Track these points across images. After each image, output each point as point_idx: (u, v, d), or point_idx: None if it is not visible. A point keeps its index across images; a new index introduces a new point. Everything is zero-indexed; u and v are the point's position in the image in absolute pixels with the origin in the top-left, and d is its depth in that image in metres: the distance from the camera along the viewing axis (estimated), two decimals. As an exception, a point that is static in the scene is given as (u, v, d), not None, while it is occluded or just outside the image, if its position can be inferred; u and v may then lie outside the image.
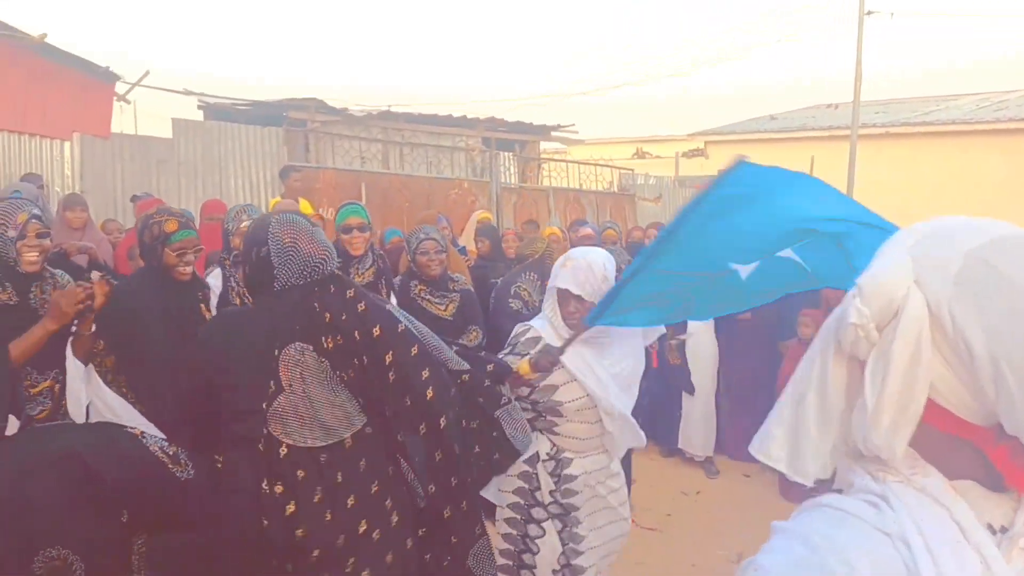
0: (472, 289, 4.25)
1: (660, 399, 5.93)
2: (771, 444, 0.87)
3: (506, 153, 12.70)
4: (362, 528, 2.21)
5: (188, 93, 10.98)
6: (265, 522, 2.14)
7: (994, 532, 0.76)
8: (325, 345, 2.18)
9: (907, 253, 0.79)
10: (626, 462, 5.11)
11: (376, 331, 2.20)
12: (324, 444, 2.19)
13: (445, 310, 3.98)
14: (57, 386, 2.79)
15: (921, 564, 0.72)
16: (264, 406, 2.15)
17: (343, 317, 2.19)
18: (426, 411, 2.24)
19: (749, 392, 5.96)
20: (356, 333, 2.19)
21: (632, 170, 14.66)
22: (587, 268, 2.69)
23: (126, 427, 2.48)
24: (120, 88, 9.46)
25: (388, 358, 2.20)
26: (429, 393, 2.22)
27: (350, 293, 2.24)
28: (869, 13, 16.11)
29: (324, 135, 10.70)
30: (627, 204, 13.09)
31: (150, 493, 2.15)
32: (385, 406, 2.26)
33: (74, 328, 2.74)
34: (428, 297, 3.99)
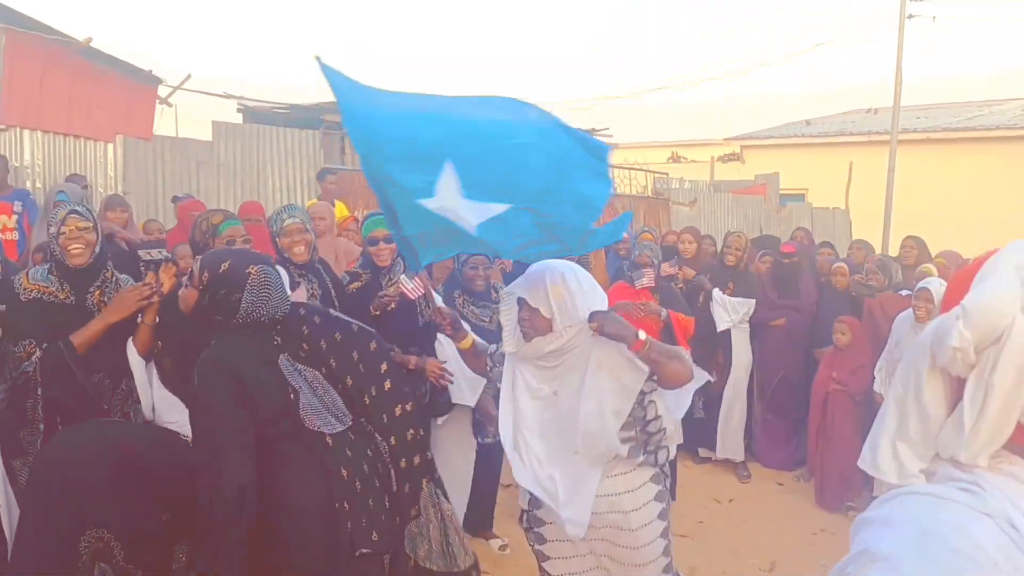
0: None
1: (693, 406, 5.90)
2: (878, 455, 0.88)
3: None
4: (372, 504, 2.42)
5: (228, 96, 11.15)
6: (346, 505, 2.32)
7: None
8: (301, 355, 2.45)
9: (1016, 275, 0.79)
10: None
11: (337, 336, 2.49)
12: (345, 428, 2.44)
13: (489, 321, 4.09)
14: (108, 381, 2.86)
15: None
16: (291, 409, 2.37)
17: (305, 331, 2.48)
18: (388, 399, 2.49)
19: (783, 399, 5.90)
20: (321, 342, 2.47)
21: (667, 174, 14.58)
22: (538, 277, 2.49)
23: (180, 434, 2.58)
24: (162, 91, 9.63)
25: (355, 355, 2.48)
26: (387, 384, 2.49)
27: (302, 311, 2.54)
28: (911, 16, 15.86)
29: (360, 138, 10.79)
30: (661, 208, 13.01)
31: (193, 499, 2.25)
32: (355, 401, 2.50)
33: (139, 320, 2.81)
34: (472, 308, 4.13)
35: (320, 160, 9.79)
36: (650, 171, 14.13)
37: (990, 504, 0.76)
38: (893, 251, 8.61)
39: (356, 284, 3.74)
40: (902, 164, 15.59)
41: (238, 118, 11.39)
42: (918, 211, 14.81)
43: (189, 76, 9.52)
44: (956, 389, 0.80)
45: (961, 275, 0.87)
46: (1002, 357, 0.74)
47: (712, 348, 5.78)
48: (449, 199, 2.19)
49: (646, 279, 4.91)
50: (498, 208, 2.24)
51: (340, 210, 7.86)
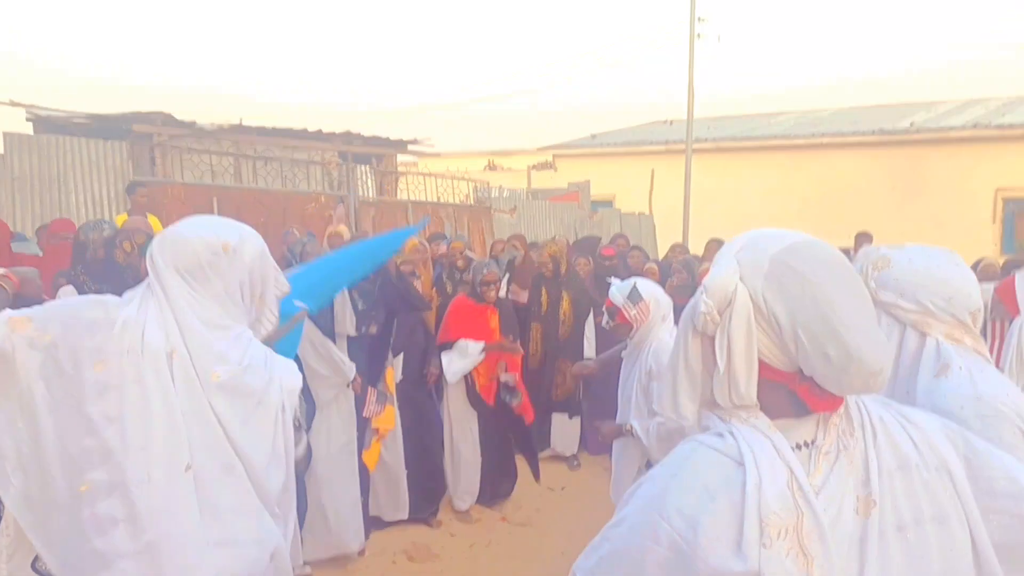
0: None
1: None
2: (662, 402, 1.22)
3: (363, 166, 12.71)
4: None
5: (15, 104, 10.29)
6: None
7: (803, 447, 1.12)
8: None
9: (734, 258, 1.14)
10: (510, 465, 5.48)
11: None
12: None
13: None
14: None
15: (749, 473, 1.07)
16: None
17: None
18: None
19: (605, 396, 6.38)
20: None
21: (487, 183, 15.02)
22: None
23: None
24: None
25: None
26: None
27: None
28: (699, 36, 17.36)
29: (172, 149, 10.33)
30: (483, 216, 13.41)
31: None
32: None
33: None
34: None
35: (129, 172, 9.29)
36: (471, 180, 14.52)
37: (731, 448, 1.10)
38: (696, 252, 9.44)
39: None
40: (697, 171, 17.04)
41: (28, 127, 10.53)
42: (713, 214, 16.24)
43: (-26, 83, 8.68)
44: (712, 349, 1.13)
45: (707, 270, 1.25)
46: (733, 313, 1.08)
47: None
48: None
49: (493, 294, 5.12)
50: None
51: (153, 223, 7.53)
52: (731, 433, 1.11)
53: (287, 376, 1.85)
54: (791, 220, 15.71)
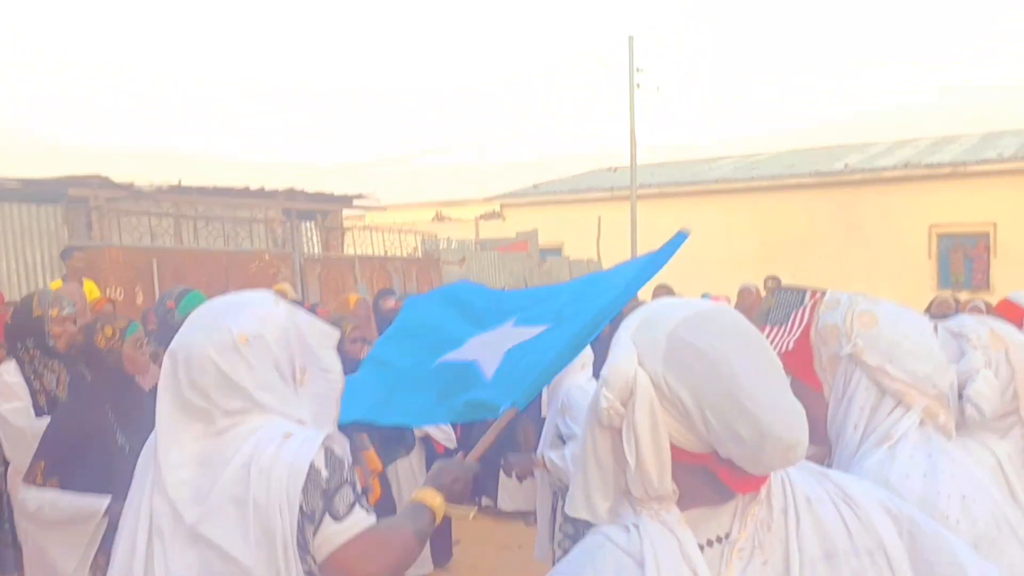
0: None
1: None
2: (574, 502, 1.11)
3: (307, 223, 12.61)
4: None
5: (-57, 171, 10.01)
6: None
7: (716, 543, 1.05)
8: None
9: (631, 340, 1.06)
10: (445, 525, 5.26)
11: None
12: None
13: None
14: None
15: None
16: None
17: None
18: None
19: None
20: None
21: (435, 235, 15.02)
22: None
23: None
24: None
25: None
26: None
27: None
28: (638, 86, 17.83)
29: (109, 211, 10.11)
30: (432, 268, 13.38)
31: None
32: None
33: None
34: None
35: (64, 237, 9.05)
36: (418, 232, 14.51)
37: (634, 545, 1.03)
38: (645, 298, 9.54)
39: None
40: (642, 216, 17.32)
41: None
42: (660, 258, 16.46)
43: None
44: (620, 440, 1.06)
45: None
46: (636, 402, 1.01)
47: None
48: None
49: None
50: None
51: (90, 288, 7.32)
52: (636, 528, 1.04)
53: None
54: (737, 262, 16.02)
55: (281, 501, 1.51)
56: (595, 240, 17.48)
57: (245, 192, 11.97)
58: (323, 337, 1.75)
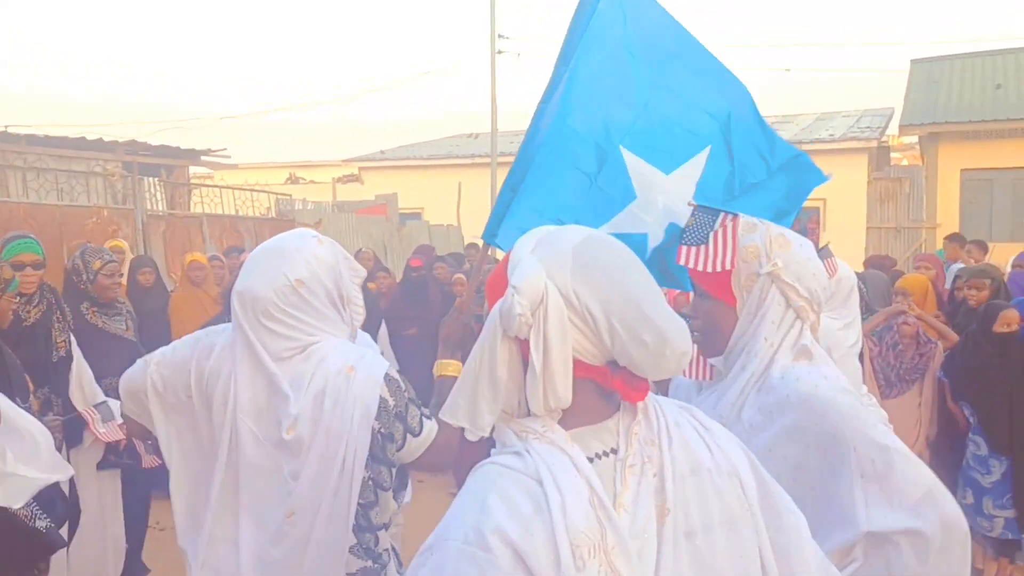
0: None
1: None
2: (457, 411, 1.13)
3: (151, 179, 11.87)
4: None
5: None
6: None
7: (603, 456, 1.11)
8: None
9: (533, 256, 1.11)
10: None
11: None
12: None
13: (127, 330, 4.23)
14: None
15: (550, 494, 1.04)
16: None
17: None
18: None
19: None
20: None
21: (290, 195, 14.55)
22: None
23: None
24: None
25: None
26: None
27: None
28: (500, 52, 17.86)
29: (-81, 158, 9.13)
30: (286, 230, 12.98)
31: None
32: None
33: None
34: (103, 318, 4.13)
35: None
36: (272, 192, 14.00)
37: (531, 468, 1.06)
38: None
39: None
40: (502, 183, 17.45)
41: None
42: (518, 225, 16.70)
43: None
44: (521, 351, 1.09)
45: (495, 274, 1.19)
46: (548, 311, 1.05)
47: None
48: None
49: None
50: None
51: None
52: (527, 451, 1.08)
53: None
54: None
55: (351, 433, 1.81)
56: (455, 206, 17.49)
57: (81, 142, 11.11)
58: (355, 274, 2.06)
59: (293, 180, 21.92)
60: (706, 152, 2.50)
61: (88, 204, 10.28)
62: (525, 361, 1.09)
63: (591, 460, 1.09)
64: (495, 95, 17.58)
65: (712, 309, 1.74)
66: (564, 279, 1.08)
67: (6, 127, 10.00)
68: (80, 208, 10.02)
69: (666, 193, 2.46)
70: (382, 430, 1.85)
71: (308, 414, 1.82)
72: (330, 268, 1.95)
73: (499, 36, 17.81)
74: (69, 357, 3.51)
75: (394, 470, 1.92)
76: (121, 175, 11.20)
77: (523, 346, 1.09)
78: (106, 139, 11.43)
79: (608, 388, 1.12)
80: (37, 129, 10.59)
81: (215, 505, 1.90)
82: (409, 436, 1.88)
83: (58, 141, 10.89)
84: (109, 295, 4.09)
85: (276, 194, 13.98)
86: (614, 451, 1.12)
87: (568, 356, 1.07)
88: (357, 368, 1.86)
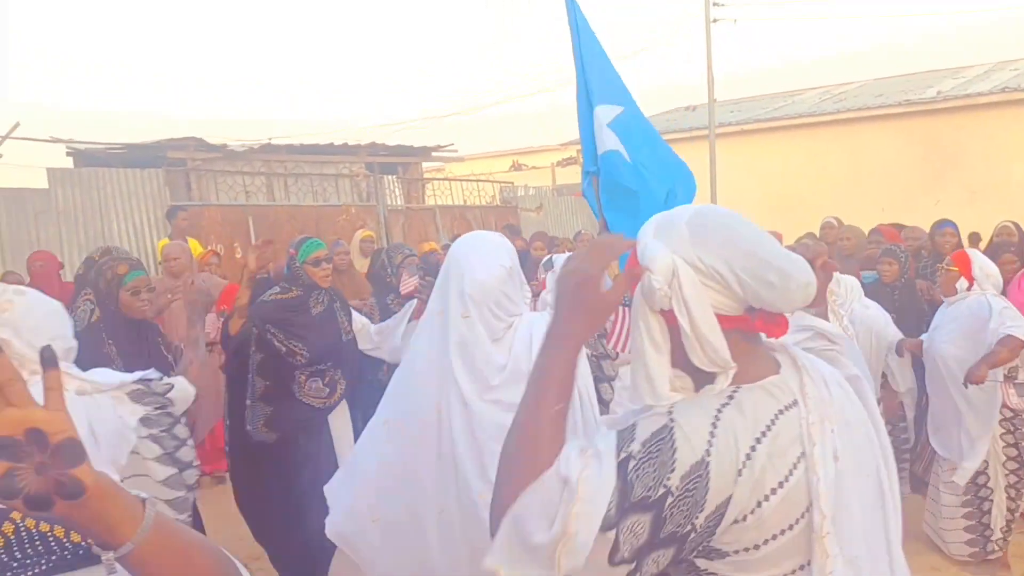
0: None
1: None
2: (640, 392, 1.27)
3: (389, 176, 12.93)
4: None
5: (56, 141, 10.68)
6: None
7: (794, 406, 1.24)
8: None
9: (655, 240, 1.27)
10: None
11: None
12: None
13: None
14: None
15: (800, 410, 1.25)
16: None
17: None
18: None
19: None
20: None
21: (512, 183, 15.16)
22: None
23: None
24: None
25: None
26: None
27: None
28: (715, 20, 17.31)
29: (206, 172, 10.64)
30: (511, 216, 13.56)
31: None
32: None
33: None
34: None
35: (166, 198, 9.60)
36: (496, 181, 14.67)
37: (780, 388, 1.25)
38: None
39: (286, 295, 3.76)
40: (722, 156, 16.97)
41: (69, 162, 10.92)
42: (740, 199, 16.18)
43: (18, 124, 9.05)
44: (669, 322, 1.24)
45: (629, 263, 1.31)
46: (682, 281, 1.19)
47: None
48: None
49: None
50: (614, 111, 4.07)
51: (194, 246, 7.79)
52: (731, 396, 1.22)
53: None
54: (821, 199, 15.61)
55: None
56: (674, 181, 17.21)
57: (330, 148, 12.36)
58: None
59: (516, 167, 22.70)
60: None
61: (338, 203, 11.43)
62: (677, 330, 1.23)
63: (780, 413, 1.22)
64: (711, 64, 17.07)
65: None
66: (686, 249, 1.23)
67: (270, 139, 11.35)
68: (332, 207, 11.17)
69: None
70: (599, 376, 2.54)
71: (520, 368, 2.29)
72: (515, 257, 2.45)
73: (714, 3, 17.27)
74: (354, 339, 3.93)
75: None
76: (365, 175, 12.31)
77: (670, 317, 1.23)
78: (350, 143, 12.61)
79: (752, 331, 1.28)
80: (294, 140, 11.88)
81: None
82: (605, 384, 2.61)
83: (311, 148, 12.19)
84: None
85: (499, 183, 14.63)
86: (795, 404, 1.23)
87: (709, 312, 1.22)
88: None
